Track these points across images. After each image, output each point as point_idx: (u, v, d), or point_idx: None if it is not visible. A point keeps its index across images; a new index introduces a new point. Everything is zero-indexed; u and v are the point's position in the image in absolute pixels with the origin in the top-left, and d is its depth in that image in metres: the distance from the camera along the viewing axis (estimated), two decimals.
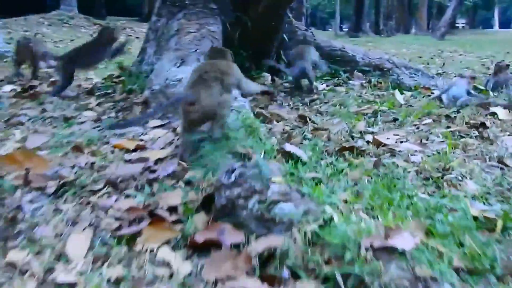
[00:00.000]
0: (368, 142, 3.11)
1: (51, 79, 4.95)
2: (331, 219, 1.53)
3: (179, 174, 2.18)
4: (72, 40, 12.96)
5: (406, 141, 3.21)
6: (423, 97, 4.74)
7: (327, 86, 4.72)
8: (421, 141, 3.21)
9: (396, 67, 5.24)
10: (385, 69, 5.22)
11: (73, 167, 2.43)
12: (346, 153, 2.82)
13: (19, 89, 4.44)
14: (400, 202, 2.03)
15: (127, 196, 2.07)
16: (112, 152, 2.67)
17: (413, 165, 2.70)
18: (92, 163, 2.46)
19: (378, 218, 1.80)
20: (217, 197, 1.74)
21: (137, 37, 14.21)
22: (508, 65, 5.38)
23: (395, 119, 3.75)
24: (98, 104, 3.78)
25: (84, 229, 1.78)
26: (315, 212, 1.56)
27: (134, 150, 2.69)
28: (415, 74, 5.26)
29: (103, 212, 1.92)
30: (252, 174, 1.71)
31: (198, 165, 2.23)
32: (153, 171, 2.30)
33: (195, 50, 3.74)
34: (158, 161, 2.46)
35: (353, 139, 3.19)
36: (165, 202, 1.94)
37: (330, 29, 38.72)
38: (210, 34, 4.00)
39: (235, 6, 4.40)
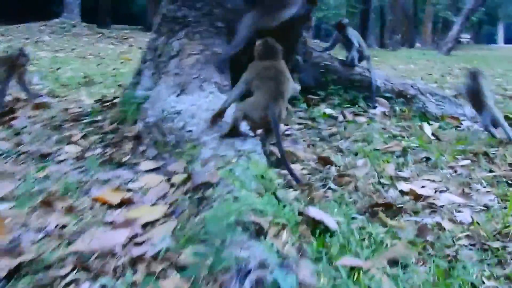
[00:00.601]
0: (401, 192, 2.61)
1: (35, 101, 4.43)
2: None
3: (172, 255, 1.65)
4: (73, 49, 12.53)
5: (445, 190, 2.70)
6: (452, 128, 4.25)
7: (345, 116, 4.19)
8: (463, 190, 2.70)
9: (421, 93, 4.71)
10: (408, 96, 4.69)
11: (39, 230, 1.92)
12: (380, 209, 2.32)
13: None
14: None
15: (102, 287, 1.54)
16: (91, 208, 2.15)
17: (462, 228, 2.20)
18: (64, 226, 1.94)
19: None
20: None
21: (139, 48, 13.76)
22: None
23: (427, 159, 3.24)
24: (84, 137, 3.24)
25: None
26: None
27: (119, 205, 2.18)
28: (441, 101, 4.74)
29: None
30: (274, 283, 1.18)
31: (196, 240, 1.70)
32: (140, 244, 1.78)
33: (197, 76, 3.22)
34: (147, 225, 1.95)
35: (383, 187, 2.68)
36: None
37: None
38: (215, 57, 3.48)
39: None
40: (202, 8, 3.75)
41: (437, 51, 21.62)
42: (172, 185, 2.31)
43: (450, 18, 29.72)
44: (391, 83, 4.83)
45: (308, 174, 2.79)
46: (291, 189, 2.40)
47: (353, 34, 5.08)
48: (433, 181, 2.84)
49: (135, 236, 1.85)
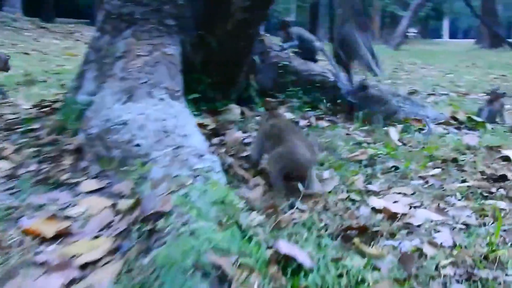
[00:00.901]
0: (374, 209, 2.39)
1: None
2: None
3: None
4: (14, 44, 11.89)
5: (420, 206, 2.50)
6: (416, 131, 4.09)
7: (308, 122, 3.94)
8: (438, 205, 2.51)
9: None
10: None
11: None
12: (354, 232, 2.08)
13: None
14: None
15: None
16: (21, 242, 1.81)
17: (444, 252, 1.98)
18: None
19: None
20: None
21: (85, 43, 13.15)
22: (504, 94, 4.80)
23: (395, 168, 3.05)
24: (17, 150, 2.83)
25: None
26: None
27: (55, 237, 1.85)
28: (403, 103, 4.57)
29: None
30: None
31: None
32: None
33: (146, 81, 2.88)
34: (87, 266, 1.63)
35: (354, 204, 2.45)
36: None
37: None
38: (165, 58, 3.11)
39: (199, 24, 3.54)
40: (150, 4, 3.37)
41: (385, 45, 21.89)
42: (117, 212, 1.99)
43: (398, 13, 30.07)
44: (353, 83, 4.63)
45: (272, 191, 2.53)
46: (254, 212, 2.12)
47: (295, 32, 5.12)
48: (405, 194, 2.67)
49: (72, 281, 1.53)
